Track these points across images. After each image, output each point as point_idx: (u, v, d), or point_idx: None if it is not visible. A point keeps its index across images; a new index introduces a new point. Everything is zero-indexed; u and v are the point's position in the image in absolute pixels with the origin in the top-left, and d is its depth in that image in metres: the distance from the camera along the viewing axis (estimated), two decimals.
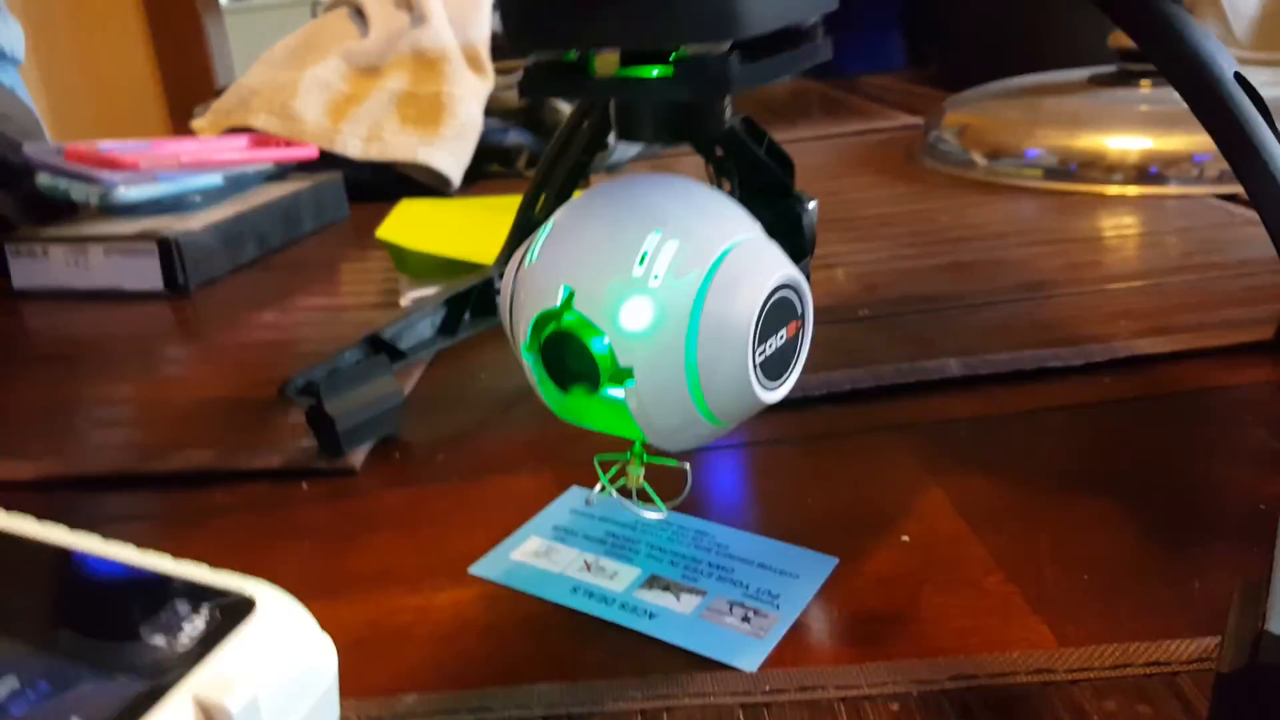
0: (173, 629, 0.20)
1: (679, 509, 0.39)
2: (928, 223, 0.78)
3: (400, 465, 0.46)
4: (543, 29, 0.32)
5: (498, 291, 0.56)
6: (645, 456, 0.34)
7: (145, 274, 0.77)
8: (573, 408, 0.32)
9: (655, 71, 0.32)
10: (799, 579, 0.34)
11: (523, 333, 0.32)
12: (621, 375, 0.29)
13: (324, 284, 0.77)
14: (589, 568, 0.36)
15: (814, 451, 0.44)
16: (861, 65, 1.61)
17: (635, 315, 0.29)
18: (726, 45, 0.30)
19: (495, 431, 0.48)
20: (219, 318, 0.71)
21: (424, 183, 1.05)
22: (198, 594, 0.21)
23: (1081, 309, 0.57)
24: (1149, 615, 0.30)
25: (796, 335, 0.31)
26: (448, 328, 0.55)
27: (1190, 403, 0.45)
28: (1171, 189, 0.79)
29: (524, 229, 0.56)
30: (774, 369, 0.31)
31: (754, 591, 0.34)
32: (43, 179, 0.84)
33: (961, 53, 1.44)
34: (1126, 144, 0.82)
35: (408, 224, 0.79)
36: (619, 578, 0.35)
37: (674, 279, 0.29)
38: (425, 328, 0.53)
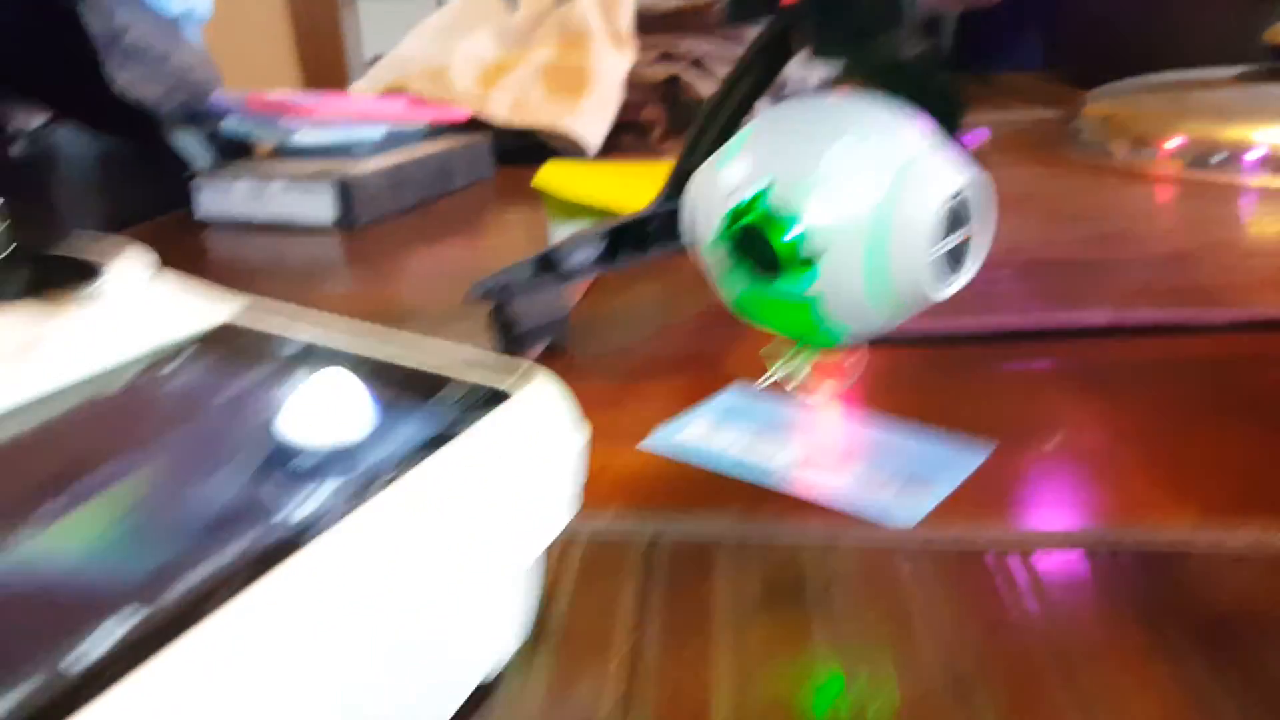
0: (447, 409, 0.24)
1: (838, 403, 0.42)
2: (1069, 201, 0.79)
3: (566, 367, 0.50)
4: None
5: (651, 229, 0.60)
6: (811, 353, 0.37)
7: (319, 208, 0.83)
8: (752, 303, 0.36)
9: None
10: (953, 461, 0.37)
11: (712, 228, 0.35)
12: (807, 265, 0.33)
13: (474, 231, 0.83)
14: (749, 450, 0.40)
15: (963, 376, 0.46)
16: (998, 63, 1.61)
17: (826, 208, 0.32)
18: None
19: (654, 346, 0.52)
20: (384, 251, 0.77)
21: (563, 150, 1.10)
22: (466, 387, 0.25)
23: (1224, 278, 0.58)
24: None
25: (970, 238, 0.34)
26: (605, 257, 0.59)
27: None
28: None
29: (683, 173, 0.60)
30: (949, 265, 0.34)
31: (909, 469, 0.37)
32: (229, 122, 0.92)
33: (1100, 52, 1.42)
34: (1274, 136, 0.81)
35: (560, 178, 0.84)
36: (778, 458, 0.39)
37: (864, 177, 0.32)
38: (588, 254, 0.58)
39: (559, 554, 0.33)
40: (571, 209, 0.77)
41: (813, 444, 0.40)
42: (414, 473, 0.21)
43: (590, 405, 0.47)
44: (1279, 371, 0.45)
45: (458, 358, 0.26)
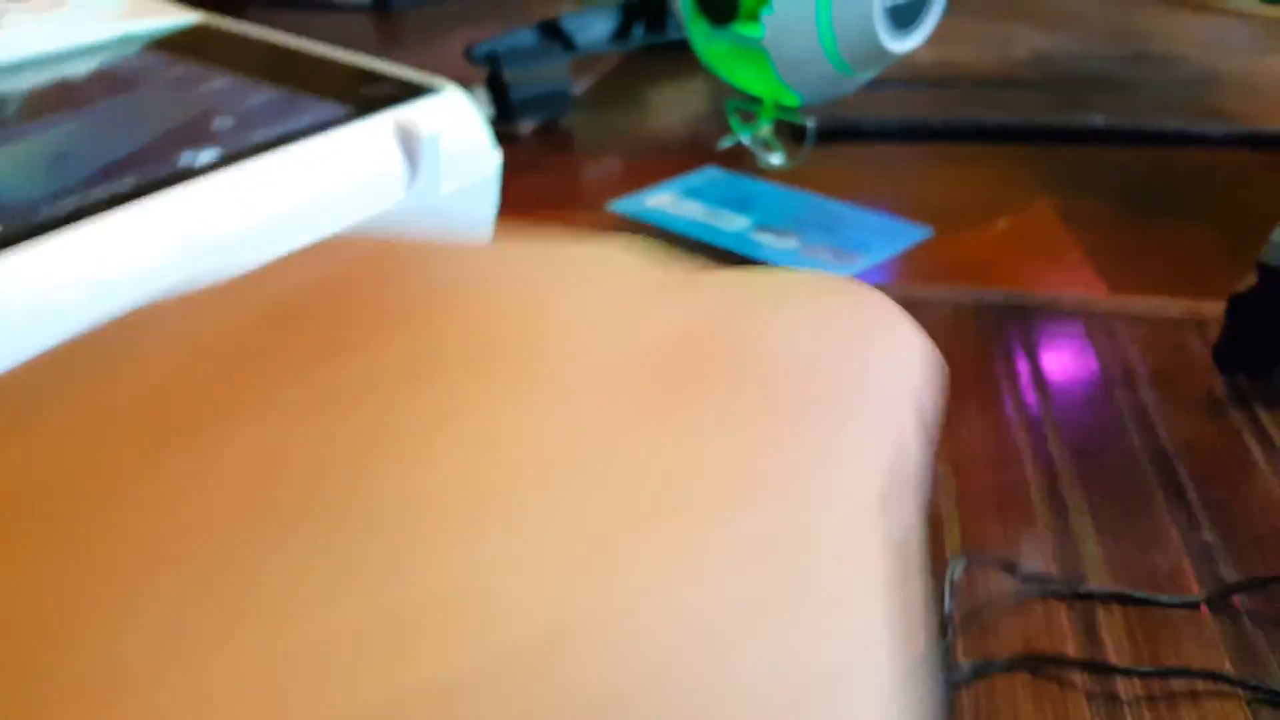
0: (379, 89, 0.27)
1: (795, 181, 0.43)
2: (1120, 23, 0.76)
3: (563, 140, 0.52)
4: None
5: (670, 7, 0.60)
6: (774, 112, 0.38)
7: None
8: (716, 55, 0.37)
9: None
10: (891, 237, 0.38)
11: None
12: (760, 3, 0.33)
13: (514, 15, 0.83)
14: (710, 216, 0.41)
15: (939, 168, 0.47)
16: None
17: None
18: None
19: (655, 129, 0.53)
20: (418, 33, 0.78)
21: None
22: (400, 80, 0.28)
23: (1248, 99, 0.56)
24: (1201, 294, 0.33)
25: None
26: (620, 34, 0.59)
27: None
28: None
29: None
30: (904, 19, 0.34)
31: (847, 240, 0.38)
32: None
33: None
34: None
35: None
36: (734, 223, 0.40)
37: None
38: (601, 29, 0.58)
39: None
40: None
41: (766, 214, 0.41)
42: (296, 147, 0.23)
43: (572, 172, 0.49)
44: (1241, 177, 0.44)
45: (401, 72, 0.28)
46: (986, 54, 0.66)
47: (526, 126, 0.52)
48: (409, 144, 0.25)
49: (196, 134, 0.23)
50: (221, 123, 0.24)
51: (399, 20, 0.82)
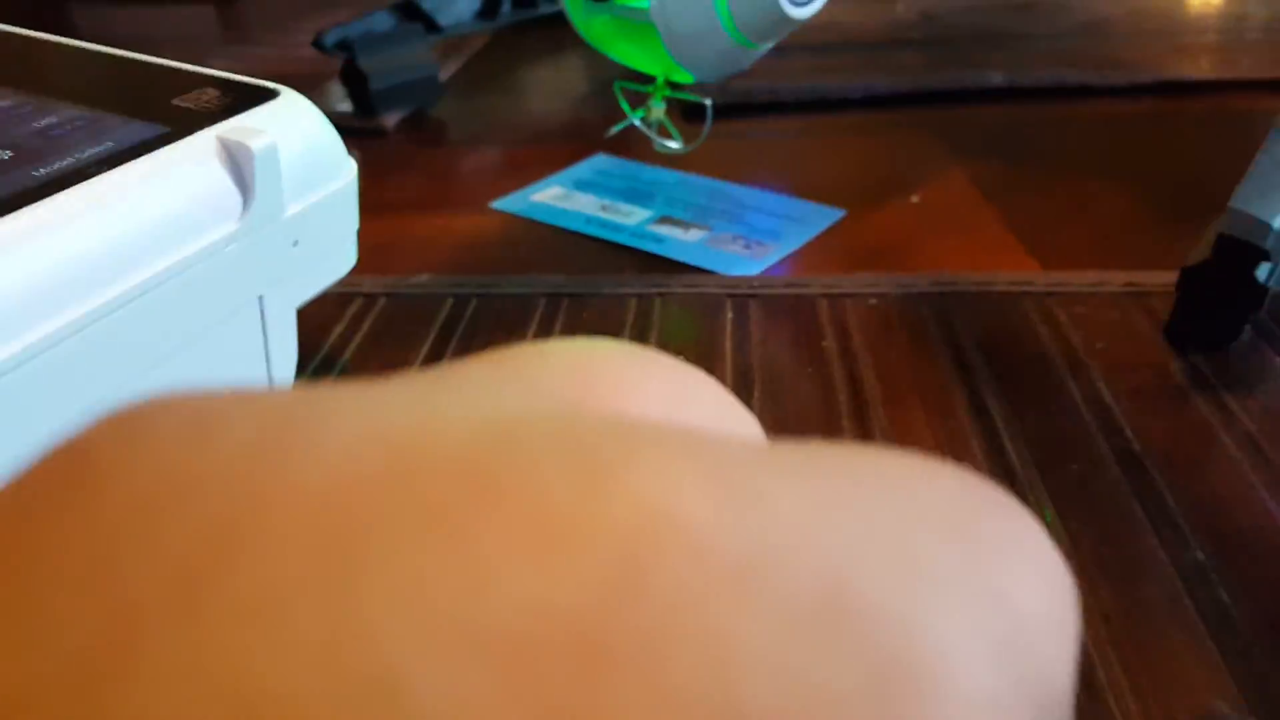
0: (202, 99, 0.22)
1: (695, 168, 0.39)
2: None
3: (434, 132, 0.47)
4: None
5: None
6: (668, 91, 0.35)
7: None
8: (599, 29, 0.33)
9: None
10: (803, 222, 0.35)
11: None
12: None
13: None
14: (605, 210, 0.38)
15: (842, 141, 0.44)
16: None
17: None
18: None
19: (531, 114, 0.49)
20: (264, 22, 0.71)
21: None
22: (228, 84, 0.23)
23: (1138, 45, 0.55)
24: (1135, 263, 0.31)
25: None
26: (487, 12, 0.55)
27: (1225, 122, 0.44)
28: None
29: None
30: None
31: (758, 228, 0.35)
32: None
33: None
34: None
35: None
36: (633, 216, 0.37)
37: None
38: (464, 6, 0.53)
39: (358, 309, 0.31)
40: None
41: (667, 204, 0.38)
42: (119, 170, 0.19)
43: (448, 169, 0.45)
44: (1149, 128, 0.43)
45: (226, 77, 0.24)
46: (872, 14, 0.64)
47: (391, 120, 0.47)
48: (238, 162, 0.20)
49: None
50: None
51: (242, 9, 0.76)
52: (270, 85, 0.23)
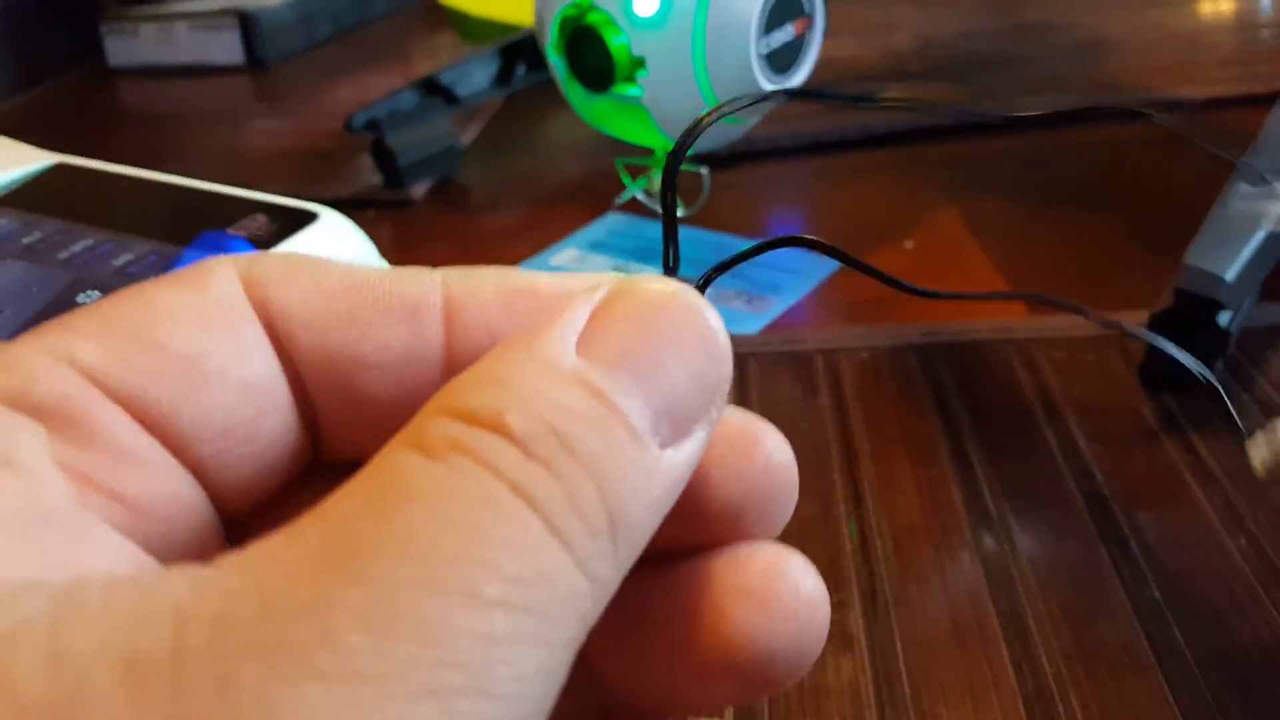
0: (253, 227, 0.25)
1: (700, 223, 0.42)
2: None
3: (458, 199, 0.50)
4: None
5: None
6: (664, 163, 0.37)
7: (227, 48, 0.81)
8: (598, 110, 0.35)
9: None
10: (801, 275, 0.38)
11: (549, 33, 0.35)
12: (636, 66, 0.32)
13: (395, 61, 0.80)
14: (617, 270, 0.41)
15: (838, 183, 0.46)
16: None
17: (647, 5, 0.31)
18: None
19: (550, 174, 0.52)
20: (296, 89, 0.75)
21: None
22: (274, 209, 0.26)
23: (1136, 65, 0.57)
24: (1118, 302, 0.33)
25: (804, 33, 0.34)
26: (503, 78, 0.58)
27: (1224, 143, 0.46)
28: None
29: None
30: (781, 63, 0.33)
31: (759, 282, 0.38)
32: None
33: None
34: None
35: None
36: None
37: None
38: (481, 76, 0.56)
39: None
40: (482, 26, 0.75)
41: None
42: None
43: (472, 235, 0.48)
44: (1138, 155, 0.45)
45: (276, 201, 0.27)
46: (869, 45, 0.66)
47: (419, 190, 0.50)
48: None
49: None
50: (87, 298, 0.22)
51: (273, 76, 0.80)
52: (311, 208, 0.26)
